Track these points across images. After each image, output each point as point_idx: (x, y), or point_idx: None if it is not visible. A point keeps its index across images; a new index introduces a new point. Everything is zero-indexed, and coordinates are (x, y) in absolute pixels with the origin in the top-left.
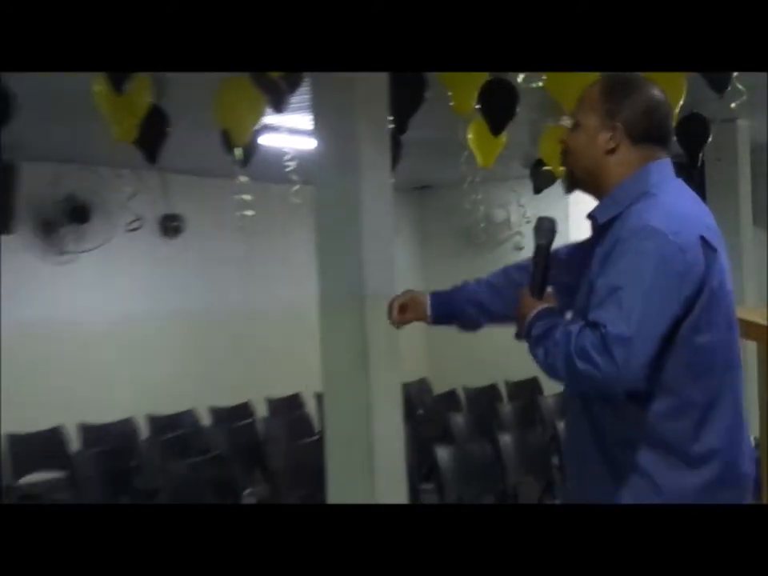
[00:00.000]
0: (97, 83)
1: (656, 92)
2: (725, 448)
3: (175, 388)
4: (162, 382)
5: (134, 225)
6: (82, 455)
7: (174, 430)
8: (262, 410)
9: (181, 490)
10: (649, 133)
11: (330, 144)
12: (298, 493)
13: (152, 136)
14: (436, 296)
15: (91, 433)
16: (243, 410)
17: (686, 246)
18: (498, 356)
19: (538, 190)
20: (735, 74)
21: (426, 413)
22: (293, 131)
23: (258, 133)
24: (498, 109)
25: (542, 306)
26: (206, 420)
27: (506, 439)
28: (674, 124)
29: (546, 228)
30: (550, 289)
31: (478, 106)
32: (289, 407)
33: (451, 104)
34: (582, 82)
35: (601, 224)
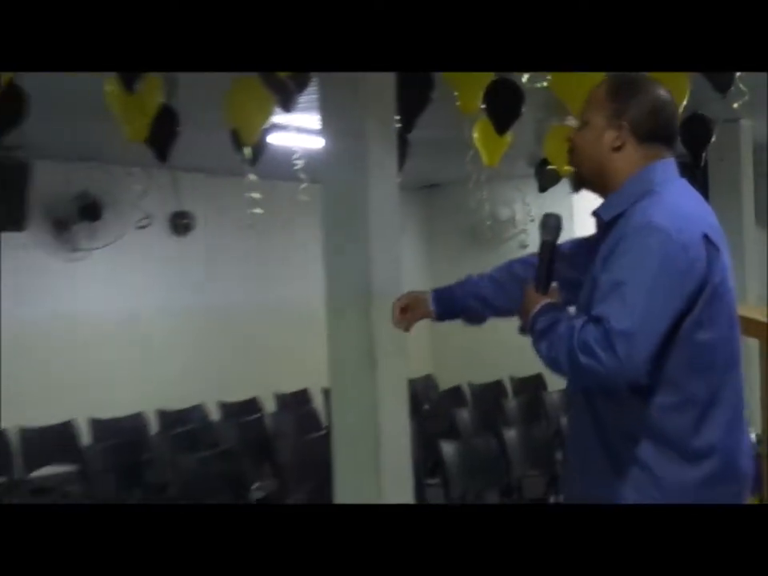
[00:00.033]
0: (109, 83)
1: (662, 92)
2: (724, 444)
3: (185, 383)
4: (171, 377)
5: (143, 222)
6: (93, 449)
7: (184, 424)
8: (270, 406)
9: (190, 483)
10: (654, 132)
11: (338, 143)
12: (305, 487)
13: (163, 135)
14: (438, 292)
15: (102, 427)
16: (252, 405)
17: (689, 244)
18: (503, 352)
19: (542, 188)
20: (738, 74)
21: (431, 408)
22: (301, 130)
23: (266, 132)
24: (504, 108)
25: (545, 301)
26: (215, 415)
27: (510, 434)
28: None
29: (551, 225)
30: (554, 284)
31: (483, 106)
32: (297, 402)
33: (457, 104)
34: (586, 82)
35: (605, 221)
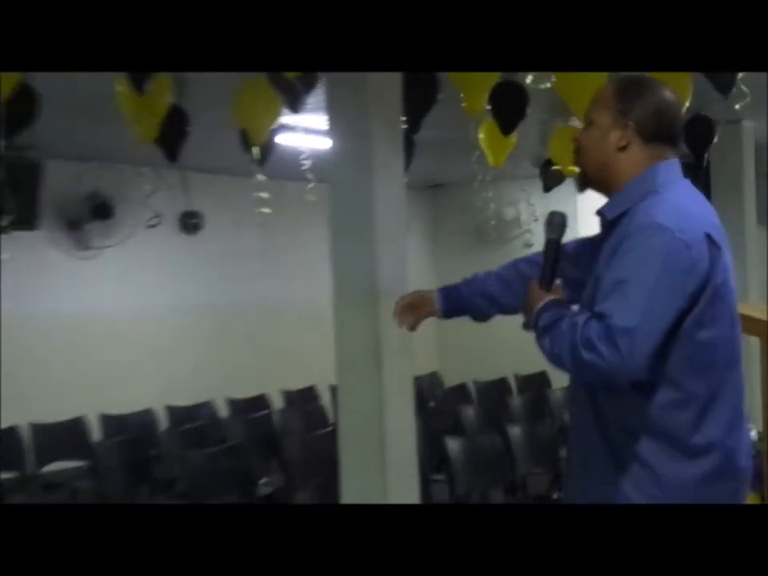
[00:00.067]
0: (119, 84)
1: (667, 94)
2: (724, 441)
3: (194, 381)
4: (180, 374)
5: (153, 221)
6: (104, 445)
7: (193, 420)
8: (278, 402)
9: (199, 479)
10: (659, 132)
11: (345, 143)
12: (312, 482)
13: (172, 135)
14: (445, 290)
15: (112, 423)
16: (260, 402)
17: (691, 243)
18: (508, 351)
19: (547, 188)
20: (739, 76)
21: (437, 405)
22: (308, 131)
23: (274, 132)
24: (509, 110)
25: (549, 297)
26: (223, 411)
27: (515, 431)
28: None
29: (557, 222)
30: (558, 281)
31: (488, 107)
32: (304, 399)
33: (463, 105)
34: (590, 84)
35: (609, 220)
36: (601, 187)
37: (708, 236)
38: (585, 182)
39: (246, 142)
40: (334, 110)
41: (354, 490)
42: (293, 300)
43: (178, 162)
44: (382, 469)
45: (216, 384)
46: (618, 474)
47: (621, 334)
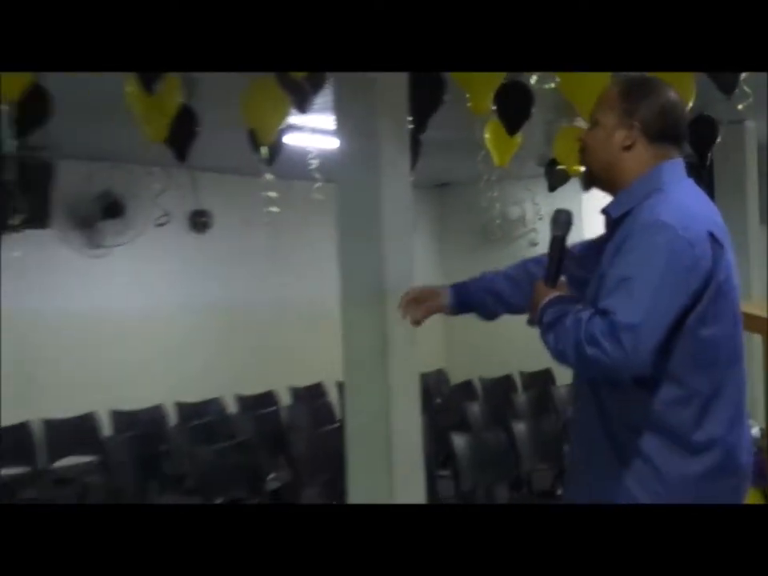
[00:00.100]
0: (129, 84)
1: (672, 94)
2: (725, 437)
3: (204, 378)
4: (190, 371)
5: (162, 220)
6: (114, 440)
7: (202, 417)
8: (285, 399)
9: (207, 474)
10: (664, 132)
11: (352, 143)
12: (319, 478)
13: (182, 135)
14: (456, 287)
15: (122, 419)
16: (268, 398)
17: (695, 241)
18: (513, 348)
19: (552, 188)
20: (742, 76)
21: (443, 402)
22: (316, 131)
23: (283, 132)
24: (514, 110)
25: (554, 294)
26: (232, 408)
27: (520, 428)
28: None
29: (562, 220)
30: (563, 278)
31: (494, 108)
32: (311, 396)
33: (469, 105)
34: (594, 84)
35: (614, 219)
36: (606, 186)
37: (711, 234)
38: (590, 182)
39: (255, 142)
40: (341, 110)
41: (361, 485)
42: (300, 298)
43: (188, 161)
44: (389, 467)
45: (225, 381)
46: (621, 470)
47: (624, 330)
